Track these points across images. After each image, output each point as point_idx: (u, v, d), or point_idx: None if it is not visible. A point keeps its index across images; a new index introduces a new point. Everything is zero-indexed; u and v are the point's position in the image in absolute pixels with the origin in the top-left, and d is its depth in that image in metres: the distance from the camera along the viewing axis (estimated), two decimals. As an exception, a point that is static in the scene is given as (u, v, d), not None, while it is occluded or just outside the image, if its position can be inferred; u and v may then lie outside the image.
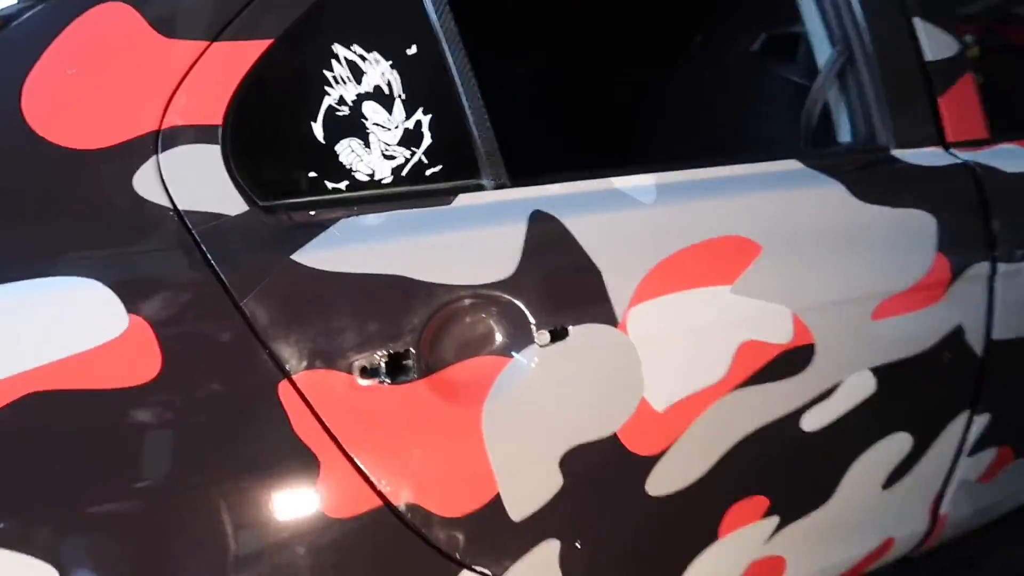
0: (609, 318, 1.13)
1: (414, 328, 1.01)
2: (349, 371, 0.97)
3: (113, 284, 0.87)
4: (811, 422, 1.35)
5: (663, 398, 1.19)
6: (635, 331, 1.14)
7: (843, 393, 1.37)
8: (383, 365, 0.99)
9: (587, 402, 1.14)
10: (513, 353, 1.08)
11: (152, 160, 0.92)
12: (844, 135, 1.54)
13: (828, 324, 1.32)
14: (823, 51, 1.52)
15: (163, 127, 0.93)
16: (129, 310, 0.87)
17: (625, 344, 1.14)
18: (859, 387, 1.39)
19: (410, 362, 1.01)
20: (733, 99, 1.91)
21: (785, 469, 1.38)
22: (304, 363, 0.95)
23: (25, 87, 0.90)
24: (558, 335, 1.10)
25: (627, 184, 1.18)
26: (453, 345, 1.05)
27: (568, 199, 1.14)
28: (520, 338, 1.08)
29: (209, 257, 0.92)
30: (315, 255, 0.97)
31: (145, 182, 0.92)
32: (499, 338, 1.08)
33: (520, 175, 1.13)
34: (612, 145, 1.64)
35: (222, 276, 0.92)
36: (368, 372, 0.98)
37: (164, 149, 0.93)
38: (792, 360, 1.29)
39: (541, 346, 1.08)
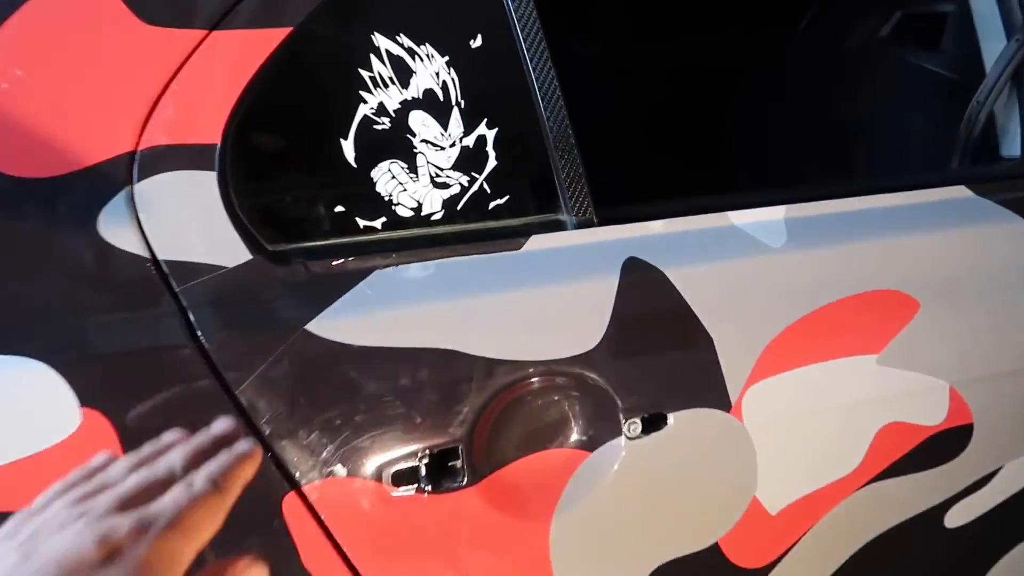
0: (720, 400, 0.86)
1: (465, 419, 0.76)
2: (378, 478, 0.73)
3: (63, 367, 0.64)
4: (957, 517, 1.07)
5: (780, 498, 0.92)
6: (752, 416, 0.88)
7: (999, 482, 1.08)
8: (423, 468, 0.75)
9: (684, 507, 0.88)
10: (593, 447, 0.82)
11: (124, 193, 0.69)
12: (1011, 148, 1.22)
13: (992, 399, 1.03)
14: (993, 41, 1.20)
15: (140, 147, 0.69)
16: (83, 402, 0.64)
17: (738, 433, 0.88)
18: (1019, 474, 1.10)
19: (459, 463, 0.77)
20: (856, 99, 1.58)
21: (918, 571, 1.11)
22: (318, 470, 0.71)
23: (-49, 93, 0.67)
24: (653, 424, 0.84)
25: (749, 220, 0.90)
26: (515, 438, 0.80)
27: (672, 241, 0.86)
28: (603, 428, 0.82)
29: (195, 327, 0.68)
30: (338, 323, 0.72)
31: (113, 223, 0.68)
32: (575, 428, 0.82)
33: (607, 205, 0.86)
34: (708, 157, 1.34)
35: (211, 354, 0.68)
36: (403, 478, 0.74)
37: (141, 177, 0.69)
38: (943, 445, 1.01)
39: (630, 438, 0.83)
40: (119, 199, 0.68)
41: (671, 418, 0.84)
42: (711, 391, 0.86)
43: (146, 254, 0.69)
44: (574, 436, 0.82)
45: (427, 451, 0.75)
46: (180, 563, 0.39)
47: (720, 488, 0.89)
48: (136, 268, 0.68)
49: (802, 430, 0.92)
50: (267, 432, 0.69)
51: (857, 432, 0.95)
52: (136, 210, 0.69)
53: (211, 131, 0.71)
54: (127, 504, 0.40)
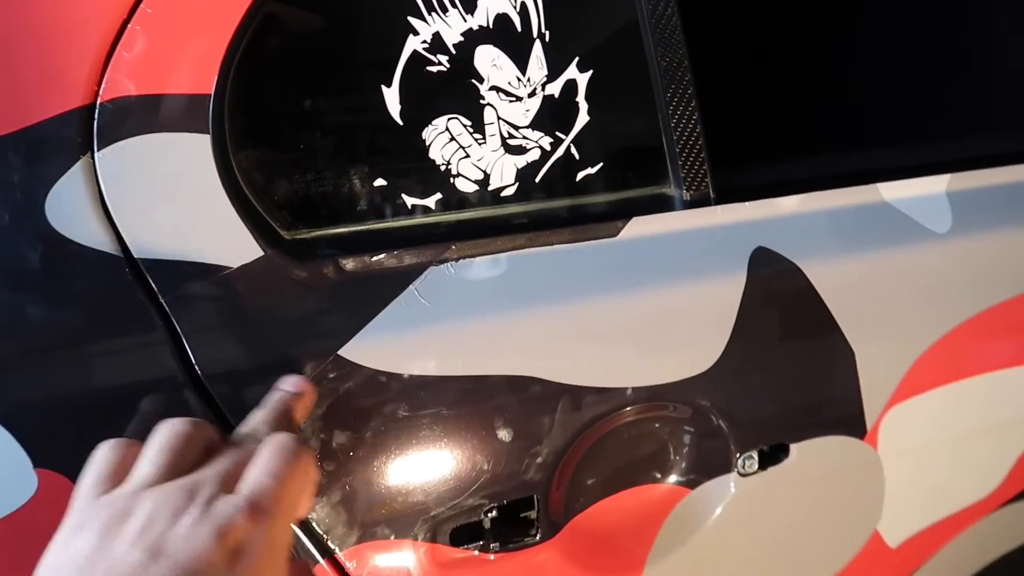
0: (855, 427, 0.69)
1: (544, 462, 0.59)
2: (432, 538, 0.57)
3: (6, 418, 0.46)
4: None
5: (902, 529, 0.77)
6: (889, 443, 0.70)
7: None
8: (488, 523, 0.58)
9: (797, 547, 0.72)
10: (695, 484, 0.66)
11: (80, 165, 0.49)
12: None
13: None
14: None
15: (101, 99, 0.49)
16: (38, 463, 0.47)
17: (870, 463, 0.71)
18: None
19: (533, 514, 0.60)
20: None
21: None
22: (357, 532, 0.55)
23: None
24: (771, 457, 0.67)
25: (905, 195, 0.70)
26: (600, 479, 0.63)
27: (809, 225, 0.66)
28: (710, 462, 0.65)
29: (190, 354, 0.50)
30: (382, 343, 0.53)
31: (69, 208, 0.48)
32: (674, 463, 0.65)
33: (719, 171, 0.65)
34: (830, 104, 1.05)
35: (212, 390, 0.50)
36: (464, 536, 0.58)
37: (104, 143, 0.49)
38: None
39: (743, 474, 0.66)
40: (74, 175, 0.48)
41: (793, 449, 0.67)
42: (845, 416, 0.68)
43: (117, 251, 0.49)
44: (672, 472, 0.65)
45: (495, 504, 0.58)
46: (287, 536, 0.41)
47: (840, 525, 0.73)
48: (104, 272, 0.49)
49: (940, 455, 0.75)
50: (289, 492, 0.52)
51: (1001, 455, 0.78)
52: (101, 190, 0.49)
53: (201, 74, 0.50)
54: (228, 479, 0.41)
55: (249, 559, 0.37)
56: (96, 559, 0.36)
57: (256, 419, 0.46)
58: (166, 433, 0.43)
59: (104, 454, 0.42)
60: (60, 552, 0.38)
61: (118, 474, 0.41)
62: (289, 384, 0.49)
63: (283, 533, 0.40)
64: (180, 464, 0.41)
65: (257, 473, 0.41)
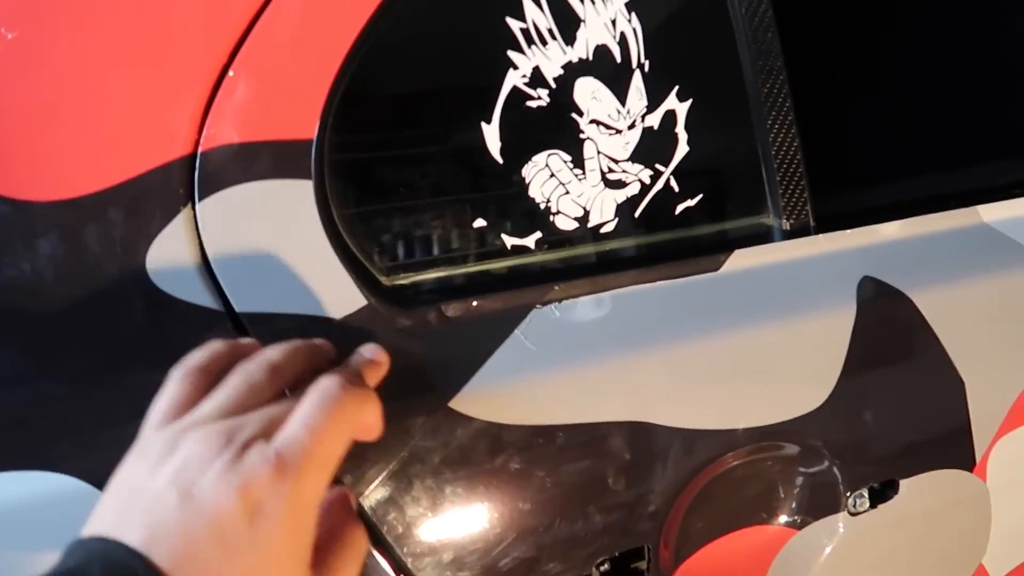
0: (964, 459, 0.66)
1: (657, 511, 0.56)
2: (543, 596, 0.54)
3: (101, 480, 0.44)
4: None
5: (1007, 562, 0.74)
6: (997, 474, 0.68)
7: None
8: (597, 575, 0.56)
9: (903, 587, 0.69)
10: (802, 524, 0.63)
11: (181, 217, 0.47)
12: None
13: None
14: None
15: (201, 149, 0.47)
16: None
17: (979, 495, 0.68)
18: None
19: (644, 564, 0.57)
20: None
21: None
22: (467, 593, 0.52)
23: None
24: (880, 494, 0.64)
25: (1006, 216, 0.67)
26: (709, 523, 0.60)
27: (913, 251, 0.64)
28: (818, 501, 0.62)
29: (296, 411, 0.47)
30: (490, 392, 0.51)
31: (170, 263, 0.46)
32: (781, 504, 0.63)
33: (821, 199, 0.63)
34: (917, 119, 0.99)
35: (322, 451, 0.48)
36: (575, 592, 0.55)
37: (205, 193, 0.47)
38: None
39: (853, 513, 0.63)
40: (175, 227, 0.46)
41: (903, 485, 0.64)
42: (954, 448, 0.65)
43: (219, 306, 0.47)
44: (780, 513, 0.62)
45: (607, 556, 0.55)
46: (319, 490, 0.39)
47: (948, 560, 0.70)
48: (206, 329, 0.47)
49: (1047, 484, 0.72)
50: (401, 553, 0.50)
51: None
52: (201, 242, 0.47)
53: (303, 119, 0.48)
54: (271, 424, 0.38)
55: (272, 514, 0.36)
56: (141, 491, 0.36)
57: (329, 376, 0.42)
58: (240, 373, 0.41)
59: (174, 384, 0.41)
60: (121, 477, 0.38)
61: (185, 405, 0.40)
62: (368, 351, 0.46)
63: (313, 488, 0.38)
64: (246, 406, 0.39)
65: (294, 424, 0.38)
